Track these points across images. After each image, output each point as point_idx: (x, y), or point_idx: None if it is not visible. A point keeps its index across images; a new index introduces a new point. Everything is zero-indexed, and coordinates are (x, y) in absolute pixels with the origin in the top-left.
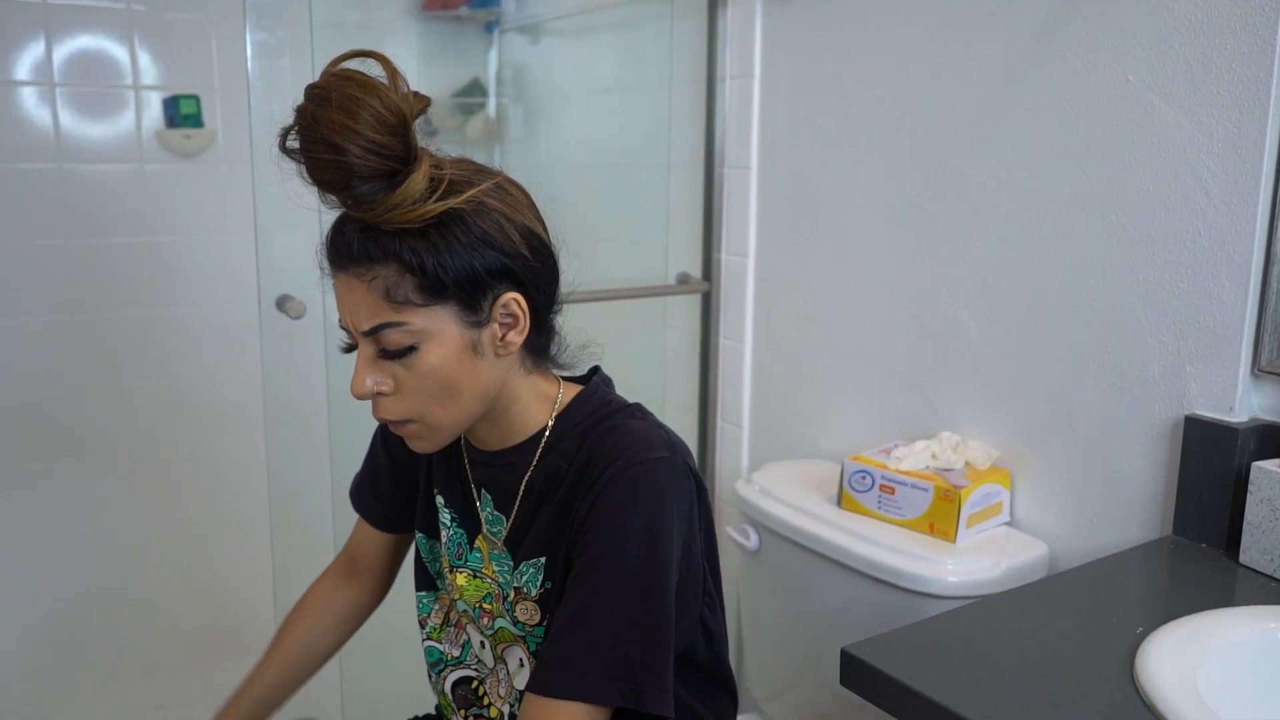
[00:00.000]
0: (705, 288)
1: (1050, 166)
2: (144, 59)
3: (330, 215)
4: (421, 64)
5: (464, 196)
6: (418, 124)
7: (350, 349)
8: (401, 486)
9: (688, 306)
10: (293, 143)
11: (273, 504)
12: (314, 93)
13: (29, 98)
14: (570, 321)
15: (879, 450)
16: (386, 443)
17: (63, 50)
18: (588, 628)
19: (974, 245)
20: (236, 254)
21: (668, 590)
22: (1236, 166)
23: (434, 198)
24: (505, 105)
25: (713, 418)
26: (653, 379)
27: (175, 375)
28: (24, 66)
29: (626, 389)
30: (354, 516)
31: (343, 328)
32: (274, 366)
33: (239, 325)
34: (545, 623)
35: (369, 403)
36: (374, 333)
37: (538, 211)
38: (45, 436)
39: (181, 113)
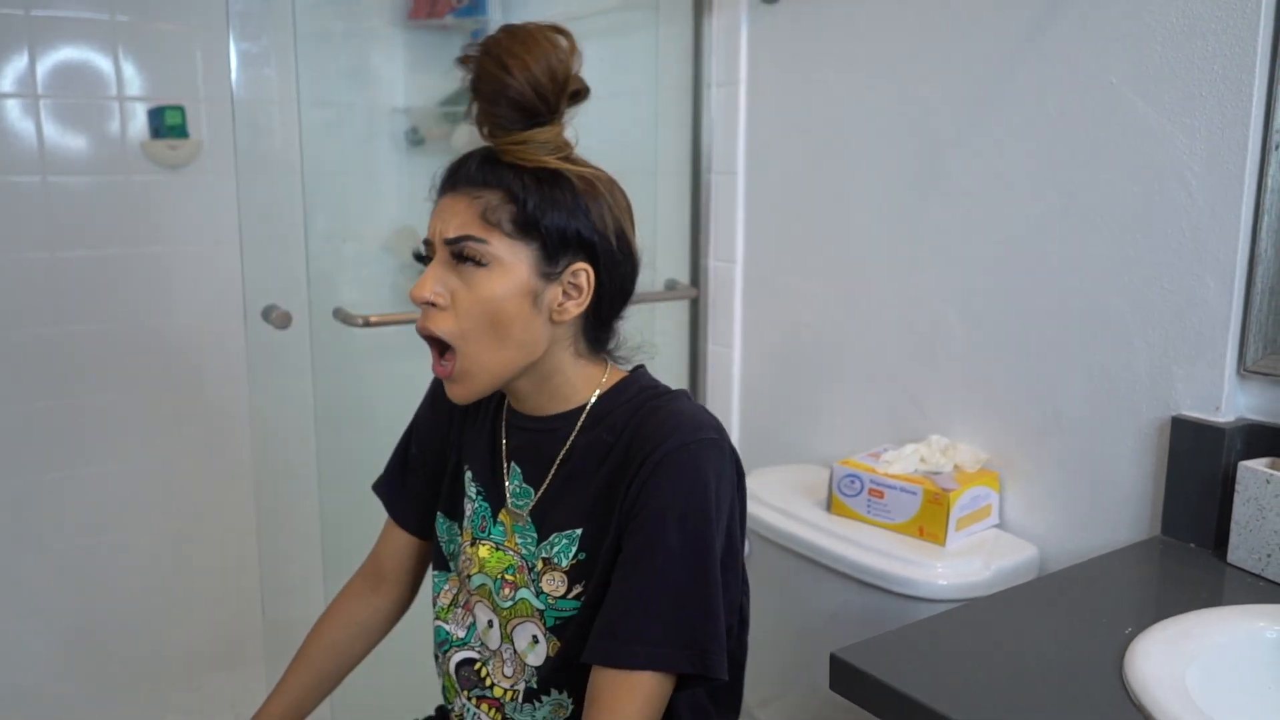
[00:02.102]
0: (693, 294)
1: (1035, 169)
2: (128, 70)
3: (316, 239)
4: (408, 73)
5: (580, 169)
6: (406, 133)
7: (422, 259)
8: (432, 480)
9: (676, 313)
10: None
11: (260, 514)
12: (510, 28)
13: (12, 110)
14: None
15: (868, 454)
16: (415, 434)
17: (46, 62)
18: (654, 602)
19: (960, 248)
20: (222, 265)
21: (716, 564)
22: (1219, 167)
23: (557, 156)
24: None
25: None
26: None
27: (162, 386)
28: (7, 79)
29: None
30: (344, 526)
31: (424, 243)
32: (260, 377)
33: (225, 336)
34: (569, 594)
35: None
36: (456, 241)
37: (634, 222)
38: (32, 450)
39: (166, 123)
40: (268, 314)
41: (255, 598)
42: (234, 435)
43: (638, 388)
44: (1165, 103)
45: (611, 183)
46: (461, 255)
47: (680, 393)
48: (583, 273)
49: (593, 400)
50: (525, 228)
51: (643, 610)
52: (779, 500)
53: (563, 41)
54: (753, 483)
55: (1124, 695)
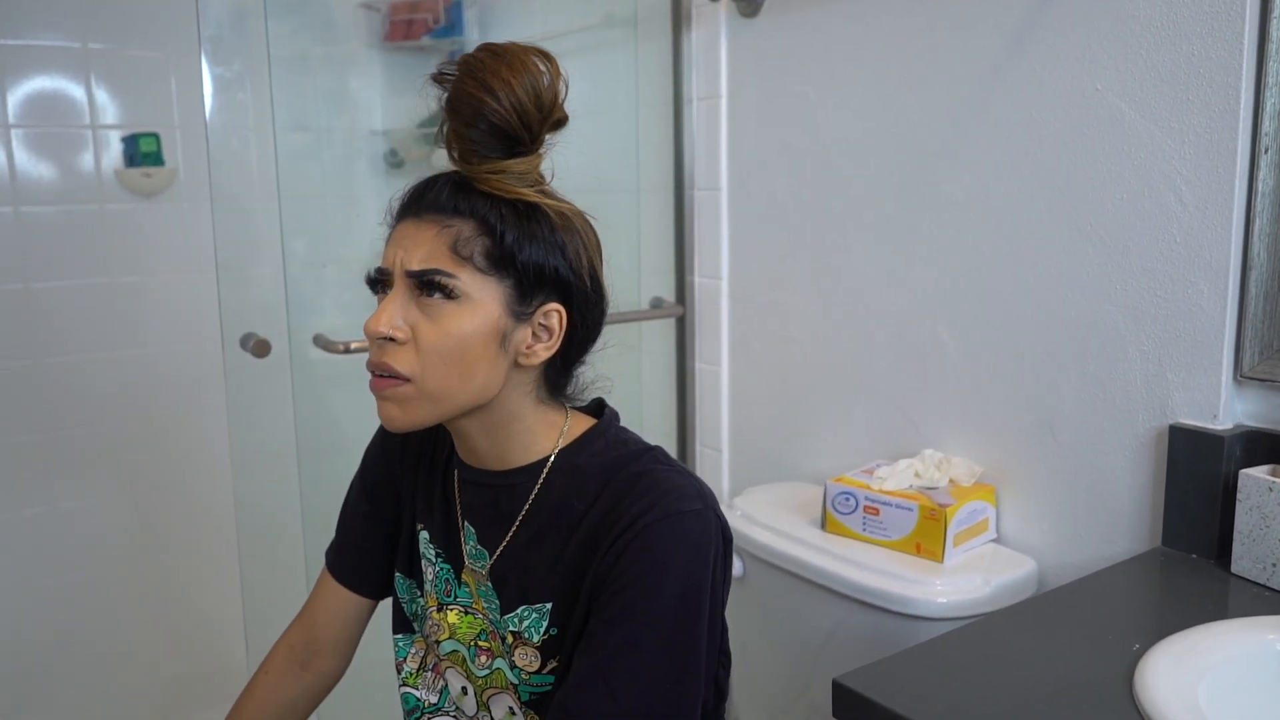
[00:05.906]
0: (679, 311)
1: (1022, 178)
2: (101, 97)
3: (295, 265)
4: (386, 95)
5: (557, 204)
6: (384, 156)
7: (375, 285)
8: (387, 534)
9: (662, 331)
10: (448, 74)
11: (242, 546)
12: (492, 47)
13: None
14: None
15: (861, 471)
16: (365, 483)
17: (18, 91)
18: (614, 679)
19: (949, 259)
20: (199, 292)
21: (698, 645)
22: (1210, 171)
23: (533, 189)
24: None
25: (691, 442)
26: (629, 405)
27: (141, 418)
28: None
29: None
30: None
31: (379, 270)
32: (240, 406)
33: (204, 365)
34: (544, 670)
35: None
36: (423, 274)
37: (603, 260)
38: (8, 485)
39: (141, 151)
40: (246, 342)
41: (238, 631)
42: (214, 465)
43: (604, 442)
44: (1152, 108)
45: (584, 219)
46: (429, 285)
47: (657, 451)
48: (555, 314)
49: (555, 453)
50: (499, 263)
51: (601, 687)
52: (772, 519)
53: (548, 66)
54: (745, 502)
55: (1136, 715)
